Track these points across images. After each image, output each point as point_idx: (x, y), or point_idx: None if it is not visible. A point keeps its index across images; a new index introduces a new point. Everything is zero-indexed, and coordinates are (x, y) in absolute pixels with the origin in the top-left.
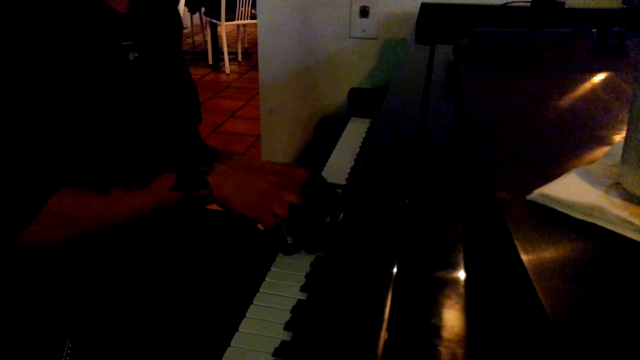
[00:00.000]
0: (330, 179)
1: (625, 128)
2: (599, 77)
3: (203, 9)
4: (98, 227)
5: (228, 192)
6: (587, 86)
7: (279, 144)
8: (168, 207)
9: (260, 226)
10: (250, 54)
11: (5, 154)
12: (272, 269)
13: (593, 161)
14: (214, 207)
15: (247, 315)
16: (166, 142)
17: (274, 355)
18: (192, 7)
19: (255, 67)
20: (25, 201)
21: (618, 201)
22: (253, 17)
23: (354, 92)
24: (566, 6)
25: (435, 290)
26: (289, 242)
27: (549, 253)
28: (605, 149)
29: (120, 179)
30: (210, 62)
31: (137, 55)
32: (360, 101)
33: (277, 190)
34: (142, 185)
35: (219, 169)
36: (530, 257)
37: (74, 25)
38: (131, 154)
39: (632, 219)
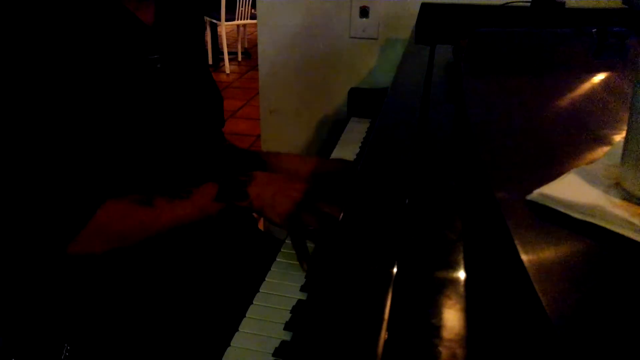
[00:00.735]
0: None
1: (625, 128)
2: (599, 77)
3: None
4: (142, 238)
5: (265, 202)
6: (587, 86)
7: (279, 144)
8: (210, 217)
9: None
10: (250, 54)
11: (54, 168)
12: (272, 268)
13: (593, 161)
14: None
15: (247, 315)
16: (194, 147)
17: (274, 355)
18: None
19: (255, 67)
20: (73, 213)
21: (618, 201)
22: (253, 17)
23: (354, 92)
24: (566, 6)
25: (435, 290)
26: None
27: (549, 253)
28: (605, 149)
29: (163, 189)
30: (210, 62)
31: (159, 65)
32: (360, 101)
33: (311, 199)
34: (184, 195)
35: (259, 179)
36: (530, 257)
37: (104, 38)
38: (165, 162)
39: (632, 219)
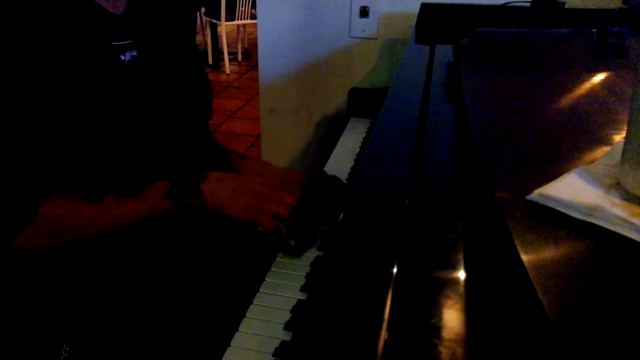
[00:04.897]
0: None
1: (625, 128)
2: (599, 77)
3: (203, 9)
4: (89, 235)
5: (223, 198)
6: (587, 86)
7: (279, 144)
8: (160, 215)
9: (260, 228)
10: (250, 54)
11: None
12: (272, 268)
13: (593, 161)
14: None
15: (247, 315)
16: (172, 139)
17: (274, 355)
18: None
19: (255, 67)
20: (17, 209)
21: (618, 201)
22: (253, 17)
23: (354, 92)
24: (566, 6)
25: (435, 290)
26: (291, 243)
27: (549, 253)
28: (605, 149)
29: (114, 185)
30: (210, 62)
31: (135, 54)
32: (360, 101)
33: (275, 192)
34: (134, 193)
35: (213, 177)
36: (530, 257)
37: (61, 27)
38: (130, 155)
39: (632, 219)
